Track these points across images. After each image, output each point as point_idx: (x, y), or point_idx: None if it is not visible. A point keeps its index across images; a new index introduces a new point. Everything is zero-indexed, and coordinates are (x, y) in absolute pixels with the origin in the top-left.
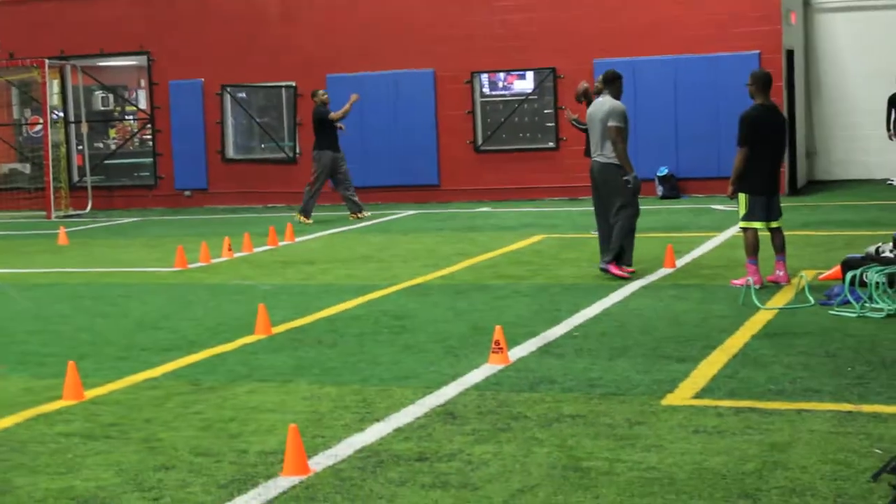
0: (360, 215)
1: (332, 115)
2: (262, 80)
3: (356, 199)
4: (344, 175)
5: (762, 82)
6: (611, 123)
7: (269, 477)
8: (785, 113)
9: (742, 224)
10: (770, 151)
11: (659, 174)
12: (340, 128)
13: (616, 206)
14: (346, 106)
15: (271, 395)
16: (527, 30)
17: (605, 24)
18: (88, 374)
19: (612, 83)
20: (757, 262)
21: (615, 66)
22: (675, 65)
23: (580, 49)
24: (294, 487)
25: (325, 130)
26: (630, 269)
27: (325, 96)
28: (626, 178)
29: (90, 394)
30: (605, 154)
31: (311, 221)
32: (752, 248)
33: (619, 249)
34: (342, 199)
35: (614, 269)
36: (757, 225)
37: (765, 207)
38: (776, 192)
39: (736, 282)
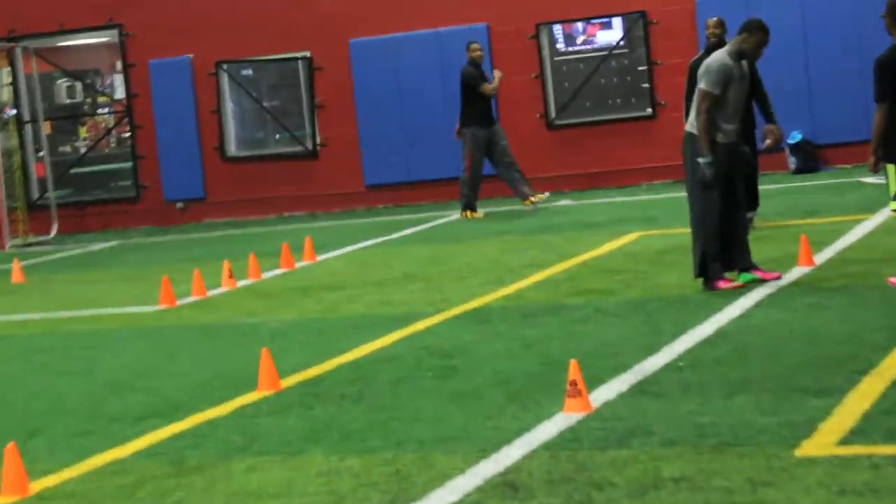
0: (532, 200)
1: (484, 87)
2: (268, 52)
3: (521, 180)
4: (502, 152)
5: None
6: (700, 85)
7: None
8: None
9: (895, 205)
10: None
11: (790, 141)
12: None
13: (690, 197)
14: (496, 82)
15: (276, 473)
16: None
17: None
18: (38, 458)
19: (744, 34)
20: None
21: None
22: (804, 2)
23: None
24: None
25: (473, 99)
26: (732, 281)
27: (480, 52)
28: (699, 159)
29: (38, 486)
30: (690, 122)
31: (480, 215)
32: None
33: (702, 260)
34: (506, 184)
35: (720, 285)
36: None
37: None
38: None
39: (894, 279)
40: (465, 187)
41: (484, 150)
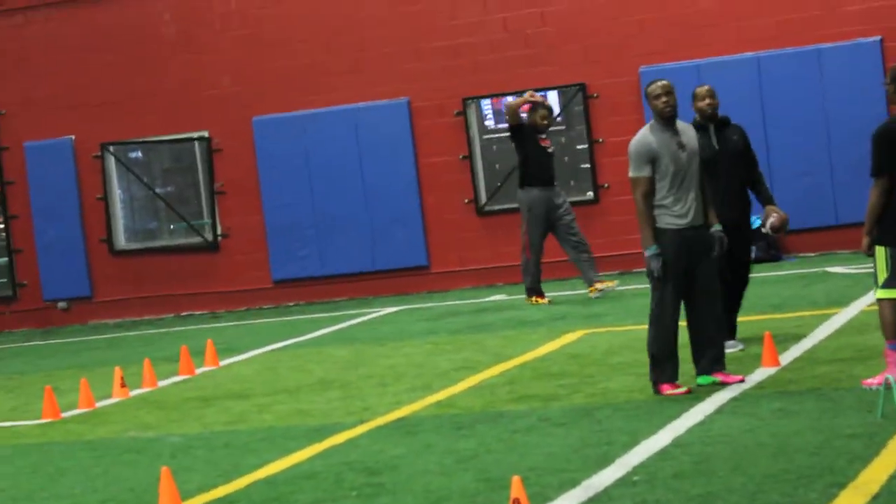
0: (599, 288)
1: (510, 104)
2: (161, 132)
3: (589, 261)
4: (567, 225)
5: None
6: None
7: None
8: None
9: (881, 294)
10: None
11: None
12: (547, 144)
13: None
14: (522, 99)
15: None
16: (539, 32)
17: (654, 15)
18: None
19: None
20: None
21: (670, 72)
22: (760, 65)
23: (619, 53)
24: None
25: (526, 151)
26: (679, 387)
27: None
28: (643, 252)
29: None
30: None
31: (547, 301)
32: (893, 326)
33: (650, 361)
34: (571, 262)
35: (664, 389)
36: None
37: None
38: None
39: (870, 381)
40: (526, 271)
41: (544, 220)
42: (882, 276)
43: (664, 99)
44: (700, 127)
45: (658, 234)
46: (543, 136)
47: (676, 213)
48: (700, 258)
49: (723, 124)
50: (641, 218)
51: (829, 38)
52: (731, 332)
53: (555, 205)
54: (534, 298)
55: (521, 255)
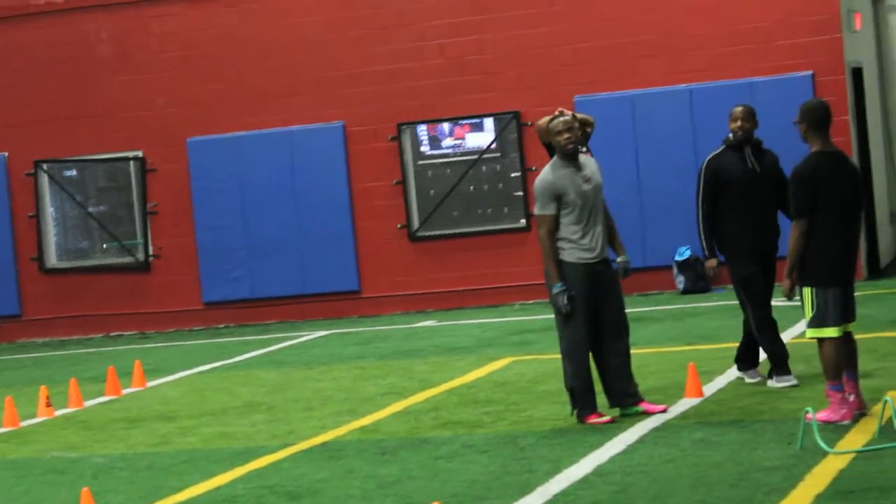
0: None
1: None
2: (95, 150)
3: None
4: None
5: (818, 118)
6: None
7: None
8: (856, 158)
9: (811, 333)
10: (841, 219)
11: (678, 258)
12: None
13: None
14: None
15: None
16: (476, 59)
17: (590, 45)
18: None
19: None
20: (843, 388)
21: (604, 102)
22: (693, 97)
23: (554, 82)
24: None
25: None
26: (602, 415)
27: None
28: (551, 289)
29: None
30: None
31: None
32: (834, 366)
33: (570, 394)
34: None
35: (590, 419)
36: (833, 332)
37: (841, 303)
38: (853, 278)
39: (819, 415)
40: None
41: None
42: (809, 314)
43: (566, 136)
44: (733, 147)
45: (568, 269)
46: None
47: (584, 246)
48: (607, 293)
49: (758, 147)
50: (546, 255)
51: (761, 71)
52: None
53: None
54: None
55: None
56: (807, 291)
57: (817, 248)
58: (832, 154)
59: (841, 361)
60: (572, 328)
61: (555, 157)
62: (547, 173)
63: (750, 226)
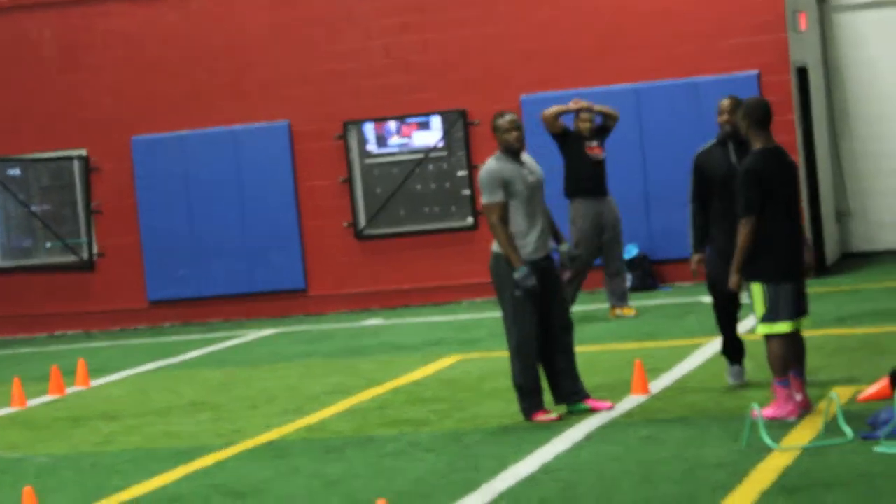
0: (621, 312)
1: (546, 112)
2: (38, 149)
3: (620, 282)
4: (612, 240)
5: (760, 116)
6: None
7: None
8: (801, 157)
9: (763, 329)
10: (786, 214)
11: (625, 256)
12: (595, 152)
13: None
14: (568, 104)
15: None
16: (422, 58)
17: (536, 45)
18: None
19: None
20: (789, 384)
21: (550, 101)
22: (639, 96)
23: (500, 81)
24: None
25: (567, 160)
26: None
27: (585, 124)
28: (515, 274)
29: None
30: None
31: (632, 311)
32: (782, 363)
33: (518, 391)
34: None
35: (537, 416)
36: (784, 328)
37: (793, 298)
38: (803, 272)
39: (765, 412)
40: (569, 284)
41: (591, 234)
42: (760, 311)
43: (515, 134)
44: (722, 142)
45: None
46: (592, 143)
47: (531, 242)
48: (553, 290)
49: (744, 143)
50: (503, 241)
51: (707, 70)
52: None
53: (604, 215)
54: (623, 310)
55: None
56: (757, 288)
57: (766, 244)
58: (774, 150)
59: (788, 357)
60: (522, 325)
61: (498, 152)
62: (492, 163)
63: (727, 223)
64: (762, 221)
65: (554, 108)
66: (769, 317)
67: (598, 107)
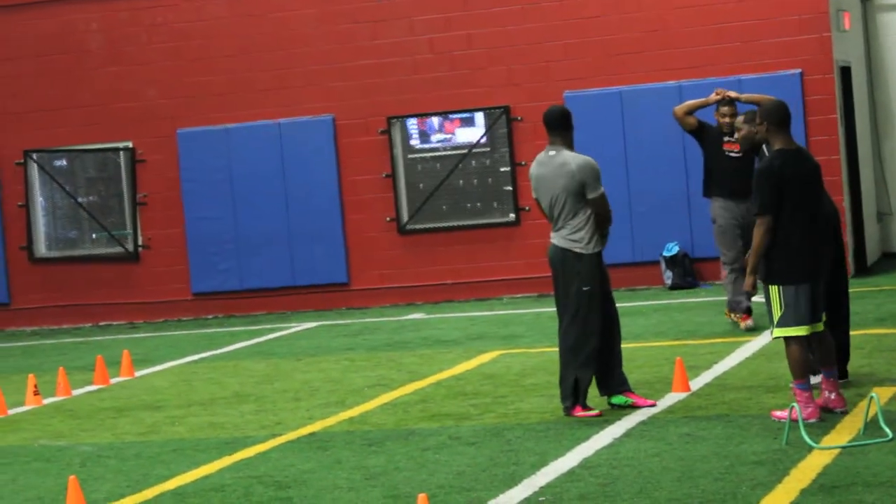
0: (741, 319)
1: (676, 109)
2: (85, 141)
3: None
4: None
5: (779, 118)
6: (589, 195)
7: None
8: (843, 157)
9: (778, 332)
10: (805, 216)
11: (666, 254)
12: (729, 148)
13: (569, 312)
14: (709, 97)
15: None
16: (465, 54)
17: (579, 41)
18: None
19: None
20: (809, 387)
21: (593, 98)
22: (681, 95)
23: (544, 77)
24: None
25: (704, 158)
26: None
27: (725, 119)
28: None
29: None
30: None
31: (749, 322)
32: (802, 366)
33: (575, 386)
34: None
35: (576, 412)
36: (801, 331)
37: (810, 301)
38: (822, 274)
39: (779, 413)
40: (727, 287)
41: (730, 233)
42: (777, 313)
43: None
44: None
45: (595, 260)
46: (729, 139)
47: (601, 235)
48: (607, 283)
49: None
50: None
51: (749, 69)
52: None
53: (740, 216)
54: (733, 316)
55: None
56: (774, 290)
57: (782, 246)
58: (794, 151)
59: (807, 360)
60: (594, 319)
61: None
62: (588, 158)
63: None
64: (780, 223)
65: (685, 104)
66: (785, 320)
67: (745, 96)
